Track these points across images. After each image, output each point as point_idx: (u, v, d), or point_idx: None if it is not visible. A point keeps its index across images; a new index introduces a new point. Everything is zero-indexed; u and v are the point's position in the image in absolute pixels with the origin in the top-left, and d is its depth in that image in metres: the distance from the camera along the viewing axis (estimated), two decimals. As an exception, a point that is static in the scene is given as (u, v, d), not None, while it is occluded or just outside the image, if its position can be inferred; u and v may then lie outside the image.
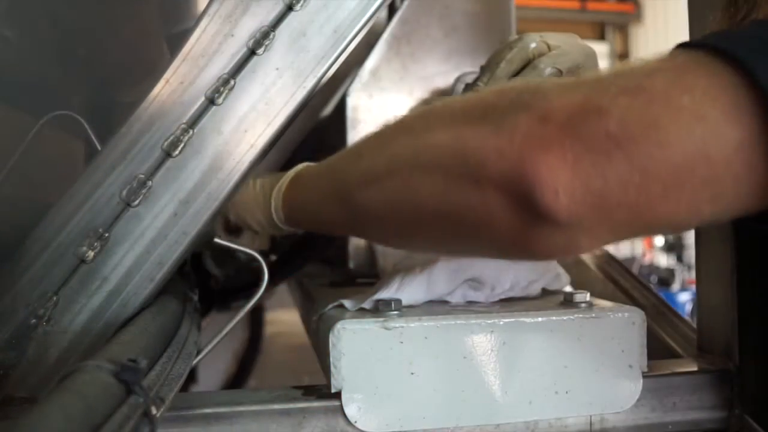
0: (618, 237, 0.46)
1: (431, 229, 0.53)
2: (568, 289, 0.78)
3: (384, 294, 0.69)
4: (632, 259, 6.59)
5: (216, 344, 0.67)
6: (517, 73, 0.76)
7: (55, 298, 0.58)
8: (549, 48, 0.76)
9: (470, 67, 1.01)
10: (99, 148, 0.61)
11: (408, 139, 0.52)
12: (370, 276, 0.97)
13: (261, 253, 0.71)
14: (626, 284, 0.99)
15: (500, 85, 0.52)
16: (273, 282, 0.79)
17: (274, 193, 0.71)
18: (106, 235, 0.59)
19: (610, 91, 0.42)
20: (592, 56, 0.78)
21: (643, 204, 0.42)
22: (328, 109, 1.43)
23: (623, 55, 9.04)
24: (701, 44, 0.43)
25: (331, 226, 0.69)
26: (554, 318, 0.65)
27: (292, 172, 0.71)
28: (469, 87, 0.81)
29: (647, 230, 0.46)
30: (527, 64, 0.75)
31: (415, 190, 0.50)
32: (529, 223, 0.43)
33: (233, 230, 0.79)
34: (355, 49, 0.66)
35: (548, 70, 0.74)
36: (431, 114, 0.53)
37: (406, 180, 0.51)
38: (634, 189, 0.41)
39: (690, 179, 0.41)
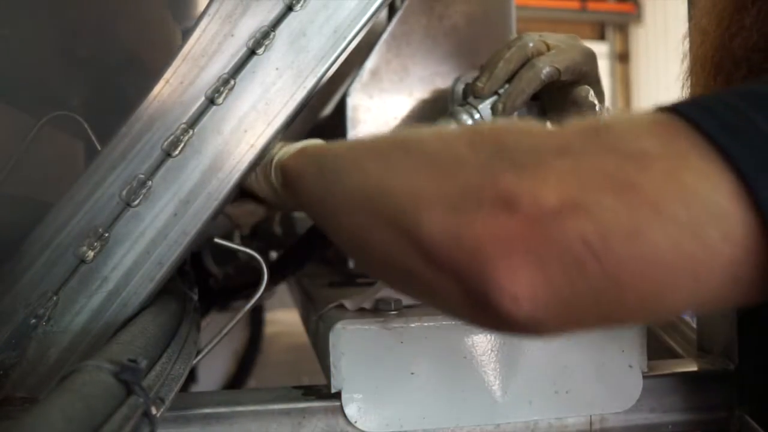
0: (585, 330, 0.44)
1: (394, 277, 0.48)
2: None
3: (384, 294, 0.69)
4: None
5: (216, 344, 0.67)
6: (515, 72, 0.76)
7: (55, 298, 0.58)
8: (548, 47, 0.76)
9: (470, 67, 1.01)
10: (99, 147, 0.61)
11: (375, 168, 0.47)
12: (370, 276, 0.97)
13: (261, 252, 0.70)
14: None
15: (479, 127, 0.47)
16: (273, 282, 0.79)
17: (275, 159, 0.67)
18: (106, 235, 0.59)
19: (594, 181, 0.36)
20: (591, 57, 0.78)
21: (616, 312, 0.38)
22: (328, 109, 1.44)
23: (623, 55, 9.03)
24: (701, 124, 0.37)
25: (315, 220, 0.67)
26: (554, 318, 0.65)
27: (299, 145, 0.68)
28: (469, 87, 0.81)
29: (618, 325, 0.43)
30: (525, 63, 0.75)
31: (374, 239, 0.45)
32: (483, 315, 0.38)
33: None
34: (355, 49, 0.66)
35: (546, 69, 0.74)
36: (403, 148, 0.47)
37: (366, 224, 0.46)
38: (607, 302, 0.36)
39: (671, 293, 0.37)
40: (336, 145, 0.66)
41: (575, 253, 0.35)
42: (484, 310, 0.37)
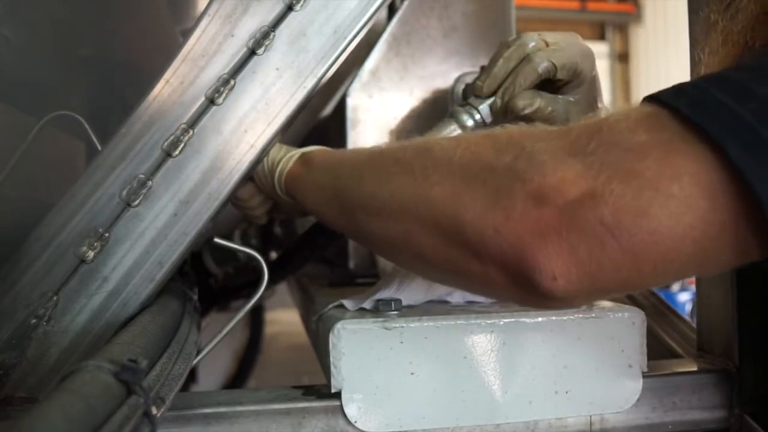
0: (613, 296, 0.52)
1: (432, 272, 0.58)
2: (568, 289, 0.78)
3: (384, 294, 0.69)
4: (632, 259, 6.56)
5: (216, 344, 0.67)
6: (513, 69, 0.76)
7: (55, 298, 0.58)
8: (547, 45, 0.76)
9: (470, 67, 1.01)
10: (99, 148, 0.61)
11: (408, 181, 0.53)
12: (370, 276, 0.97)
13: (260, 252, 0.71)
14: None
15: (495, 133, 0.53)
16: (273, 281, 0.79)
17: (280, 165, 0.69)
18: (106, 235, 0.59)
19: (604, 174, 0.43)
20: (590, 56, 0.78)
21: (635, 279, 0.45)
22: (328, 109, 1.43)
23: (623, 55, 9.04)
24: (680, 109, 0.43)
25: (330, 224, 0.69)
26: (554, 318, 0.65)
27: (304, 150, 0.70)
28: (469, 87, 0.81)
29: (639, 290, 0.50)
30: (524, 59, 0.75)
31: (416, 242, 0.52)
32: (527, 294, 0.46)
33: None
34: (355, 49, 0.66)
35: (543, 65, 0.74)
36: (430, 159, 0.53)
37: (408, 229, 0.53)
38: (626, 270, 0.44)
39: (678, 257, 0.43)
40: (347, 153, 0.67)
41: (596, 234, 0.42)
42: (528, 290, 0.45)
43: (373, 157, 0.61)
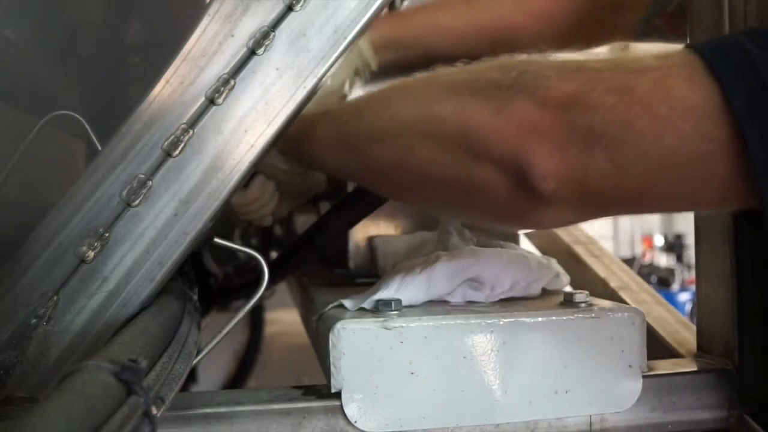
0: (600, 215, 0.52)
1: (432, 189, 0.58)
2: (568, 289, 0.78)
3: (384, 294, 0.69)
4: (632, 259, 6.58)
5: (216, 344, 0.67)
6: None
7: (55, 298, 0.58)
8: None
9: (470, 67, 1.01)
10: (99, 148, 0.61)
11: (412, 104, 0.55)
12: (370, 276, 0.97)
13: (260, 252, 0.71)
14: (626, 284, 0.99)
15: (502, 59, 0.54)
16: (273, 281, 0.79)
17: None
18: (107, 235, 0.59)
19: (601, 87, 0.45)
20: None
21: (619, 194, 0.47)
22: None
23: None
24: (698, 47, 0.44)
25: (337, 173, 0.71)
26: (554, 318, 0.65)
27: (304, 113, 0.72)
28: None
29: (625, 213, 0.52)
30: None
31: (418, 156, 0.54)
32: (522, 198, 0.49)
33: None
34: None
35: None
36: (435, 82, 0.55)
37: (410, 145, 0.54)
38: (611, 182, 0.46)
39: (661, 180, 0.45)
40: (345, 102, 0.67)
41: (586, 140, 0.44)
42: (523, 193, 0.47)
43: (373, 93, 0.63)
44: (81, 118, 0.63)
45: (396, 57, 0.85)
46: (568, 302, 0.69)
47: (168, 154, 0.59)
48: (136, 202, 0.59)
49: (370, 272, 0.98)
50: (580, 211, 0.51)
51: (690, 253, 5.76)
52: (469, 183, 0.52)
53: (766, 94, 0.41)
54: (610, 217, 0.55)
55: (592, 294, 0.72)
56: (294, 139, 0.70)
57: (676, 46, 0.48)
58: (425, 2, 0.84)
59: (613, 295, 0.95)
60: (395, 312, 0.66)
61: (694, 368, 0.73)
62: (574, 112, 0.45)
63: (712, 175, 0.43)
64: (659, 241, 6.69)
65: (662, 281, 5.93)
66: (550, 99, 0.46)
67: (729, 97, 0.41)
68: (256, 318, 2.29)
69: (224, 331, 0.67)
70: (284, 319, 2.73)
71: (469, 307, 0.70)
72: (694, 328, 0.80)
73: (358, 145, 0.61)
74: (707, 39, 0.47)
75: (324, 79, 0.63)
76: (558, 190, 0.46)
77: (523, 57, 0.54)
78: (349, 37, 0.62)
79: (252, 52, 0.60)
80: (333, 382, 0.62)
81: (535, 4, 0.86)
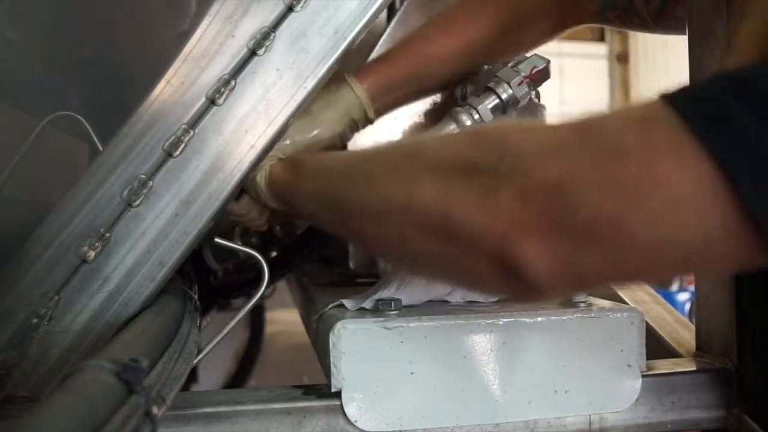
0: (600, 287, 0.53)
1: (424, 268, 0.59)
2: (568, 289, 0.78)
3: (384, 294, 0.69)
4: (632, 259, 6.55)
5: (216, 344, 0.67)
6: None
7: (56, 298, 0.58)
8: None
9: (470, 68, 1.01)
10: (100, 148, 0.61)
11: (397, 183, 0.54)
12: (370, 276, 0.97)
13: (260, 251, 0.71)
14: (625, 284, 0.99)
15: (481, 131, 0.54)
16: (272, 279, 0.79)
17: (262, 170, 0.70)
18: (108, 235, 0.59)
19: (585, 178, 0.42)
20: None
21: (619, 277, 0.48)
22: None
23: (622, 55, 9.03)
24: (681, 114, 0.40)
25: (326, 230, 0.71)
26: (553, 318, 0.65)
27: (291, 155, 0.72)
28: (465, 90, 0.82)
29: (631, 285, 0.53)
30: None
31: (409, 243, 0.53)
32: (515, 287, 0.48)
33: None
34: (355, 49, 0.66)
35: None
36: (417, 159, 0.54)
37: (399, 231, 0.53)
38: (606, 271, 0.45)
39: (663, 261, 0.43)
40: (336, 157, 0.68)
41: (575, 238, 0.43)
42: (517, 286, 0.47)
43: (363, 160, 0.61)
44: (82, 119, 0.64)
45: (393, 98, 0.85)
46: (568, 302, 0.69)
47: (169, 155, 0.59)
48: (137, 202, 0.59)
49: (370, 272, 0.98)
50: (577, 289, 0.52)
51: (690, 253, 5.73)
52: (460, 271, 0.52)
53: None
54: None
55: (592, 294, 0.72)
56: (281, 182, 0.70)
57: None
58: (406, 37, 0.85)
59: (612, 295, 0.95)
60: (395, 312, 0.66)
61: (693, 368, 0.73)
62: (561, 209, 0.43)
63: (722, 253, 0.41)
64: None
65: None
66: (535, 191, 0.44)
67: (735, 183, 0.37)
68: (256, 318, 2.29)
69: (225, 331, 0.67)
70: (284, 319, 2.73)
71: (469, 307, 0.71)
72: (693, 327, 0.81)
73: (349, 221, 0.60)
74: (681, 90, 0.42)
75: (324, 79, 0.63)
76: (551, 281, 0.45)
77: (499, 126, 0.53)
78: (350, 38, 0.62)
79: (252, 53, 0.60)
80: (333, 381, 0.62)
81: (505, 11, 0.86)
